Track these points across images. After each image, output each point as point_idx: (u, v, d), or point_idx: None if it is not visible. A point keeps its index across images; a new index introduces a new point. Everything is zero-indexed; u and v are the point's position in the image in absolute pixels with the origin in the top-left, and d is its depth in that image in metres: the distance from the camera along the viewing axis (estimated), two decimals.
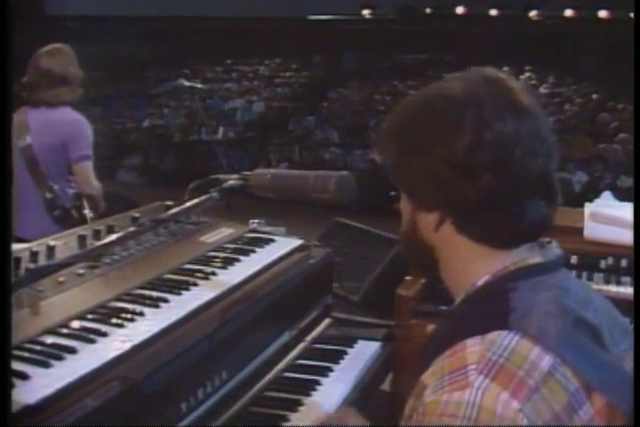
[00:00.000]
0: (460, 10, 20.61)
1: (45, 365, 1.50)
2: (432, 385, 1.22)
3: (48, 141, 3.91)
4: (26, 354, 1.53)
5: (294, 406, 2.06)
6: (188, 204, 1.86)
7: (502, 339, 1.22)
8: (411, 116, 1.38)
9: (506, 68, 16.50)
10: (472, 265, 1.37)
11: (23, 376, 1.44)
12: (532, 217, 1.32)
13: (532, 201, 1.32)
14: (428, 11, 21.29)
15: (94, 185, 3.98)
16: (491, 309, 1.30)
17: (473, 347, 1.22)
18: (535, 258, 1.36)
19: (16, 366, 1.48)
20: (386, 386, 2.59)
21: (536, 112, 1.33)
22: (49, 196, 3.84)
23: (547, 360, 1.21)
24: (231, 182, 1.93)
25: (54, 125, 3.93)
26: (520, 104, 1.31)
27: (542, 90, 17.60)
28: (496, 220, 1.32)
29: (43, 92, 3.95)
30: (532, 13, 20.06)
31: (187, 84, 5.90)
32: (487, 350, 1.20)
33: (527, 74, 19.18)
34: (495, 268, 1.35)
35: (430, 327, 2.57)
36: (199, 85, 6.51)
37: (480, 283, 1.35)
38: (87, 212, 3.86)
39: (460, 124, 1.29)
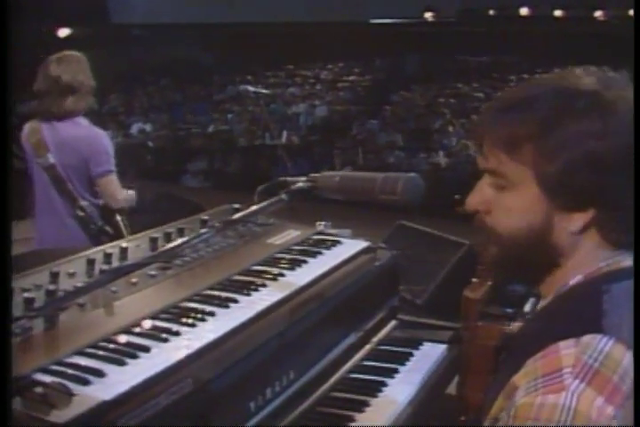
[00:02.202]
0: (524, 11, 20.37)
1: (120, 362, 1.54)
2: (525, 387, 1.21)
3: (69, 161, 3.90)
4: (101, 352, 1.57)
5: (360, 406, 2.08)
6: (258, 206, 1.88)
7: (597, 342, 1.20)
8: (549, 113, 1.32)
9: None
10: (576, 261, 1.35)
11: (99, 374, 1.48)
12: None
13: None
14: (491, 12, 21.09)
15: (122, 197, 3.97)
16: (584, 310, 1.29)
17: (567, 349, 1.21)
18: (628, 260, 1.34)
19: (92, 363, 1.52)
20: (451, 389, 2.58)
21: None
22: (81, 214, 3.87)
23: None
24: (300, 184, 1.95)
25: (72, 144, 3.90)
26: None
27: None
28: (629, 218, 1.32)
29: (51, 101, 3.91)
30: (598, 14, 19.72)
31: (251, 89, 5.94)
32: (583, 353, 1.19)
33: None
34: (588, 268, 1.34)
35: (497, 329, 2.55)
36: (264, 90, 6.58)
37: (572, 282, 1.34)
38: (119, 220, 3.91)
39: (606, 119, 1.28)
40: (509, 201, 1.36)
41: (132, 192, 4.01)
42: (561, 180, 1.30)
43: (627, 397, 1.16)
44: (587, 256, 1.35)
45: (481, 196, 1.41)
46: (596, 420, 1.13)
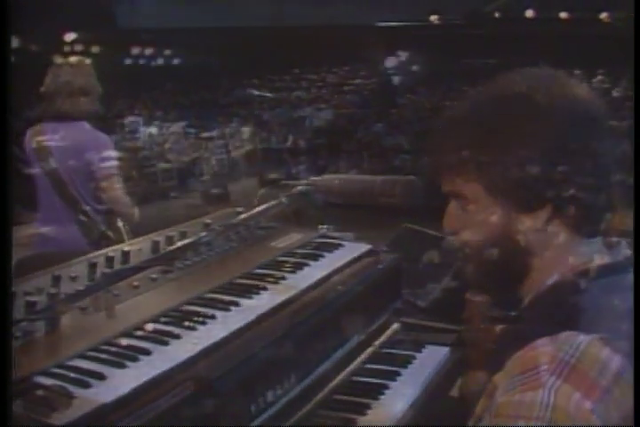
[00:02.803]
0: (529, 13, 20.38)
1: (121, 365, 1.54)
2: (503, 385, 1.23)
3: (73, 165, 3.87)
4: (102, 355, 1.58)
5: (362, 409, 2.08)
6: (258, 209, 1.90)
7: (573, 339, 1.22)
8: (480, 127, 1.38)
9: (577, 72, 16.29)
10: (551, 260, 1.37)
11: (100, 377, 1.49)
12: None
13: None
14: (496, 15, 21.10)
15: (124, 201, 3.96)
16: (561, 309, 1.30)
17: (544, 347, 1.22)
18: (603, 258, 1.36)
19: (93, 366, 1.53)
20: (454, 392, 2.58)
21: None
22: (83, 219, 3.85)
23: (616, 361, 1.20)
24: (300, 188, 1.96)
25: (77, 147, 3.88)
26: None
27: (615, 93, 17.29)
28: (596, 202, 1.35)
29: (62, 102, 3.90)
30: (603, 15, 19.71)
31: (256, 93, 5.93)
32: (558, 350, 1.20)
33: (599, 77, 18.87)
34: (563, 267, 1.35)
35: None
36: (268, 94, 6.58)
37: (549, 282, 1.36)
38: (121, 226, 3.91)
39: (549, 116, 1.33)
40: (474, 217, 1.41)
41: (136, 210, 4.00)
42: (507, 184, 1.35)
43: (605, 391, 1.17)
44: (559, 252, 1.37)
45: (452, 217, 1.46)
46: (574, 415, 1.14)
